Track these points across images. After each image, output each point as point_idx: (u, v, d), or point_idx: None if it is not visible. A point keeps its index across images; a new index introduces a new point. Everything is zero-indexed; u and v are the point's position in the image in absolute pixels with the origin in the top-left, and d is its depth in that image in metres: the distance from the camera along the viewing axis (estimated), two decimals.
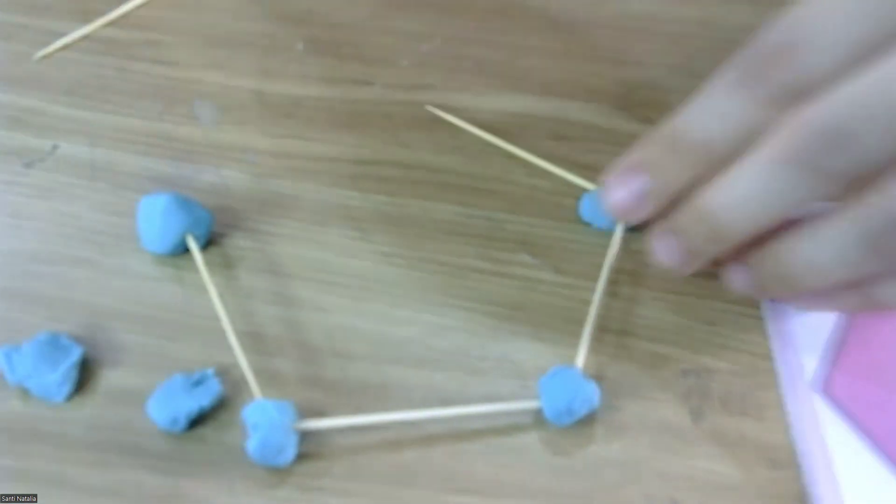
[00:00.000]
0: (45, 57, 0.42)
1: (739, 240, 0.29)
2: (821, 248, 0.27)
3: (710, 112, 0.28)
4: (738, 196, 0.28)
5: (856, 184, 0.26)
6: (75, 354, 0.31)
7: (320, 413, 0.30)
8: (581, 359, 0.32)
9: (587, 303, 0.33)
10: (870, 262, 0.27)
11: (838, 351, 0.32)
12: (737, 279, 0.31)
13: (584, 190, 0.37)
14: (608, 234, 0.35)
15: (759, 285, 0.30)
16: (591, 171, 0.37)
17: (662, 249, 0.31)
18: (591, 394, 0.30)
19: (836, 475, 0.29)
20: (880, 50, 0.25)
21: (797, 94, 0.26)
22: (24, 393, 0.31)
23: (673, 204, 0.30)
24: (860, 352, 0.32)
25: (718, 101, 0.28)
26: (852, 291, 0.29)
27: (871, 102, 0.25)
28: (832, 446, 0.30)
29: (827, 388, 0.32)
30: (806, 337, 0.33)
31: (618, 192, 0.30)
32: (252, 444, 0.29)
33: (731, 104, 0.28)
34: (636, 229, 0.35)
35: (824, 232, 0.27)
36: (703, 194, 0.28)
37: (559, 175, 0.37)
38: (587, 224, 0.36)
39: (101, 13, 0.43)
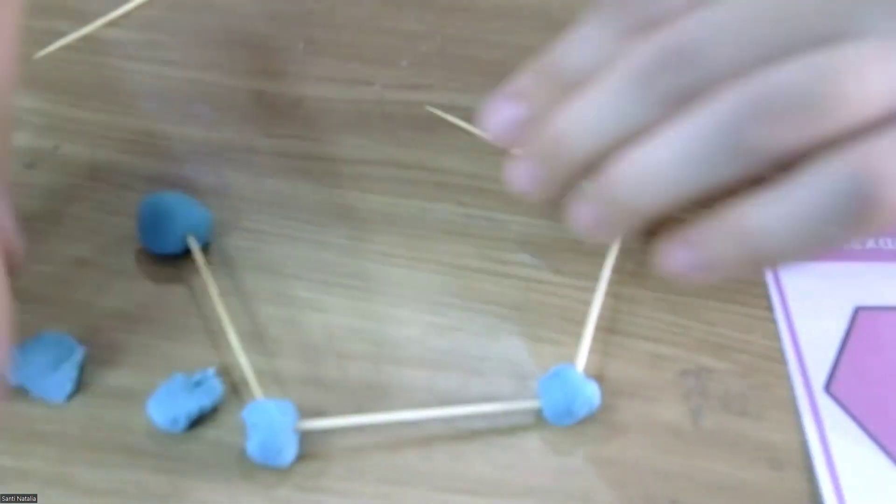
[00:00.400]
0: (44, 57, 0.42)
1: (583, 161, 0.29)
2: (670, 148, 0.28)
3: (579, 44, 0.30)
4: (583, 115, 0.29)
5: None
6: (77, 354, 0.31)
7: (320, 413, 0.30)
8: (581, 359, 0.32)
9: (587, 303, 0.33)
10: (723, 162, 0.27)
11: (842, 349, 0.32)
12: (580, 213, 0.30)
13: None
14: None
15: (604, 200, 0.30)
16: None
17: (519, 174, 0.31)
18: (592, 394, 0.30)
19: (838, 474, 0.29)
20: None
21: (649, 23, 0.28)
22: (24, 393, 0.31)
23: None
24: (864, 351, 0.32)
25: (587, 34, 0.30)
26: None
27: (717, 22, 0.27)
28: (835, 446, 0.30)
29: (831, 388, 0.32)
30: (811, 336, 0.33)
31: (495, 119, 0.31)
32: (252, 444, 0.29)
33: (598, 37, 0.30)
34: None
35: (674, 130, 0.28)
36: (554, 116, 0.29)
37: None
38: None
39: (102, 13, 0.43)
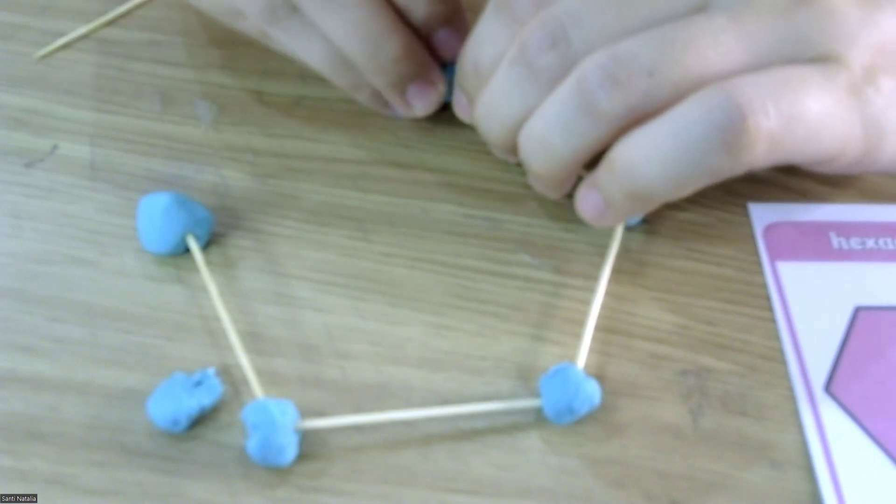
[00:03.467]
0: (44, 56, 0.42)
1: (503, 141, 0.34)
2: (545, 115, 0.32)
3: (479, 38, 0.34)
4: (488, 102, 0.34)
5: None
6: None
7: (320, 413, 0.30)
8: (582, 358, 0.32)
9: (587, 303, 0.33)
10: (586, 124, 0.31)
11: (842, 349, 0.32)
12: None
13: None
14: (609, 233, 0.35)
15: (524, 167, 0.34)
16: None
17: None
18: (593, 392, 0.30)
19: (838, 474, 0.29)
20: None
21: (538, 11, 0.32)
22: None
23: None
24: (864, 351, 0.32)
25: (484, 27, 0.34)
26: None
27: (578, 9, 0.31)
28: (835, 446, 0.30)
29: (831, 388, 0.32)
30: (811, 336, 0.33)
31: (455, 105, 0.37)
32: (252, 444, 0.29)
33: (493, 29, 0.33)
34: (646, 222, 0.35)
35: (549, 100, 0.32)
36: (475, 106, 0.35)
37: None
38: (589, 223, 0.36)
39: (102, 13, 0.43)
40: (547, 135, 0.32)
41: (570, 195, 0.35)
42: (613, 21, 0.31)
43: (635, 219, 0.36)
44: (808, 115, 0.30)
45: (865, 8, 0.31)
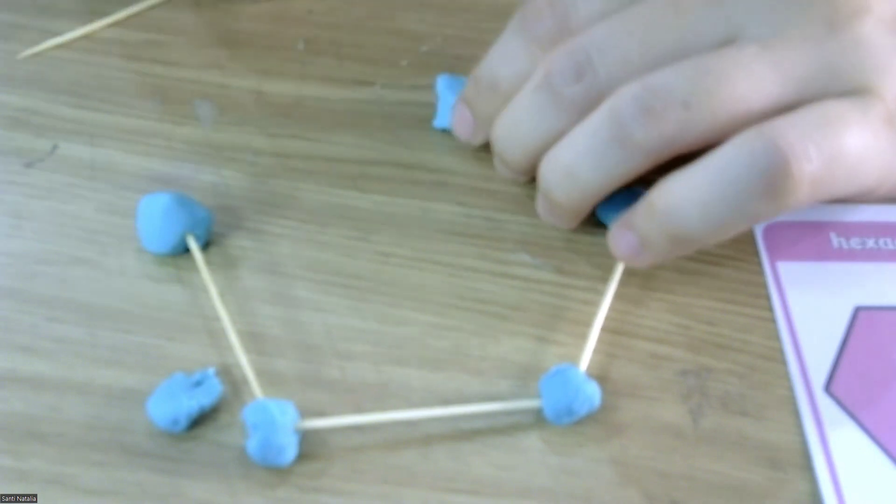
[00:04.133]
0: (44, 56, 0.42)
1: (521, 164, 0.35)
2: (575, 145, 0.32)
3: (499, 56, 0.34)
4: (510, 124, 0.34)
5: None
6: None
7: (320, 413, 0.30)
8: (585, 359, 0.32)
9: (587, 303, 0.33)
10: (618, 156, 0.31)
11: (842, 349, 0.32)
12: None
13: None
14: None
15: (543, 196, 0.34)
16: None
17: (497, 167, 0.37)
18: (593, 394, 0.30)
19: (838, 474, 0.29)
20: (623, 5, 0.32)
21: (561, 36, 0.32)
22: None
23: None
24: (864, 351, 0.32)
25: (505, 46, 0.34)
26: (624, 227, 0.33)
27: (611, 32, 0.31)
28: (835, 446, 0.30)
29: (831, 388, 0.32)
30: (811, 336, 0.33)
31: (456, 121, 0.37)
32: (252, 444, 0.29)
33: (513, 49, 0.34)
34: None
35: (579, 129, 0.32)
36: (495, 125, 0.35)
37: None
38: (599, 224, 0.36)
39: (102, 13, 0.43)
40: (575, 165, 0.32)
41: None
42: (639, 51, 0.31)
43: None
44: (848, 154, 0.30)
45: (895, 35, 0.31)
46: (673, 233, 0.31)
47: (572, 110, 0.32)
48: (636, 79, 0.31)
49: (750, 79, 0.30)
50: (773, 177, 0.29)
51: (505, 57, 0.34)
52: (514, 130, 0.34)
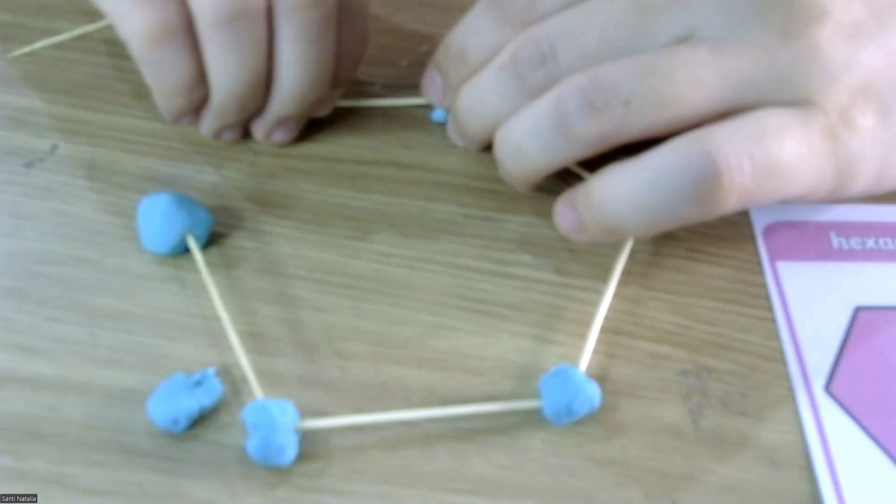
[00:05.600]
0: (44, 56, 0.41)
1: (479, 136, 0.36)
2: (522, 124, 0.33)
3: (470, 29, 0.35)
4: (474, 98, 0.35)
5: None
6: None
7: (320, 413, 0.30)
8: (585, 359, 0.32)
9: (587, 303, 0.33)
10: (559, 142, 0.32)
11: (842, 349, 0.32)
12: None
13: None
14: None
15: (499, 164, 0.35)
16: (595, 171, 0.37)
17: (450, 131, 0.38)
18: (593, 394, 0.30)
19: (838, 474, 0.29)
20: None
21: (529, 18, 0.33)
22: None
23: None
24: (864, 351, 0.32)
25: (476, 20, 0.35)
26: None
27: (572, 23, 0.32)
28: (835, 446, 0.30)
29: (831, 388, 0.32)
30: (811, 336, 0.33)
31: (426, 84, 0.38)
32: (252, 444, 0.29)
33: (483, 23, 0.35)
34: None
35: (528, 108, 0.33)
36: (460, 94, 0.36)
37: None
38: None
39: (102, 13, 0.43)
40: (522, 143, 0.33)
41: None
42: (598, 45, 0.32)
43: None
44: (781, 167, 0.30)
45: (851, 43, 0.31)
46: (606, 224, 0.32)
47: (531, 94, 0.33)
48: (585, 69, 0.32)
49: (694, 81, 0.31)
50: (704, 186, 0.30)
51: (476, 30, 0.35)
52: (476, 105, 0.35)
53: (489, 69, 0.34)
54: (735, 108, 0.31)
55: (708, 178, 0.30)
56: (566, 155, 0.33)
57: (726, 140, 0.30)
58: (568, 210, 0.33)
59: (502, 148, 0.34)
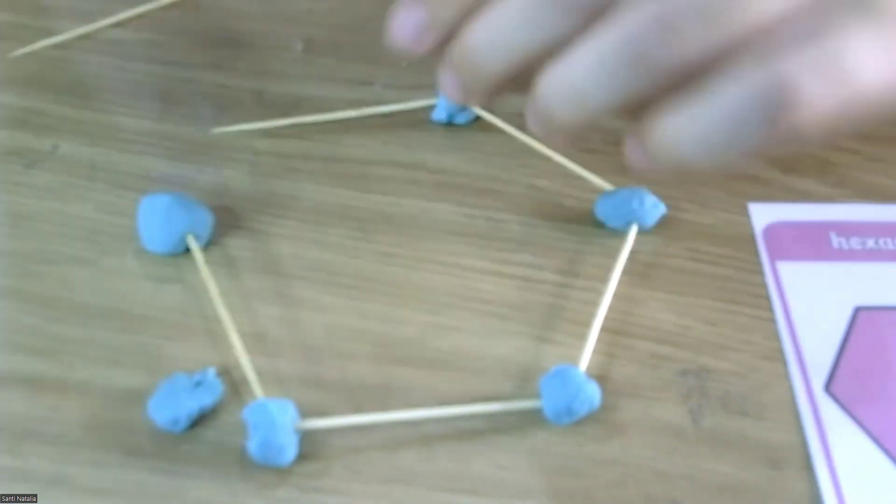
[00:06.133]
0: (44, 57, 0.42)
1: (498, 75, 0.29)
2: (582, 63, 0.28)
3: (509, 19, 0.28)
4: (493, 29, 0.28)
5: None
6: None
7: (320, 413, 0.30)
8: (585, 359, 0.32)
9: (587, 303, 0.33)
10: (632, 76, 0.27)
11: (842, 349, 0.32)
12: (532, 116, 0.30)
13: (595, 190, 0.37)
14: (612, 233, 0.36)
15: (539, 114, 0.29)
16: (597, 171, 0.37)
17: (447, 85, 0.31)
18: (592, 394, 0.30)
19: (838, 474, 0.29)
20: None
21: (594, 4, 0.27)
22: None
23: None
24: (864, 351, 0.32)
25: (518, 8, 0.28)
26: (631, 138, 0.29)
27: None
28: (835, 446, 0.30)
29: (831, 388, 0.32)
30: (811, 336, 0.33)
31: (400, 26, 0.31)
32: (253, 444, 0.29)
33: (532, 11, 0.28)
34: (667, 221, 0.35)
35: (585, 45, 0.27)
36: (466, 29, 0.29)
37: (575, 174, 0.37)
38: (599, 224, 0.36)
39: (102, 13, 0.43)
40: (584, 85, 0.28)
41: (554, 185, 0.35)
42: None
43: (651, 220, 0.35)
44: (865, 81, 0.27)
45: None
46: (679, 164, 0.28)
47: (579, 14, 0.28)
48: None
49: None
50: (780, 119, 0.26)
51: (524, 21, 0.29)
52: (501, 36, 0.29)
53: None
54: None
55: (783, 110, 0.26)
56: (639, 88, 0.28)
57: (799, 61, 0.27)
58: (638, 146, 0.29)
59: (552, 95, 0.29)
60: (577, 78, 0.28)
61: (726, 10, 0.27)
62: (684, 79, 0.28)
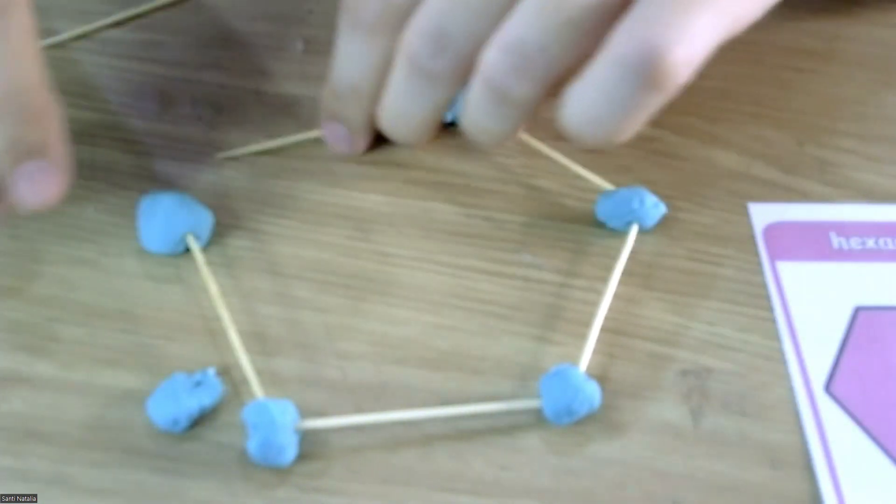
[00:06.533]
0: (44, 57, 0.41)
1: (422, 137, 0.34)
2: (466, 114, 0.32)
3: (346, 61, 0.34)
4: (395, 115, 0.33)
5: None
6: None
7: (320, 413, 0.30)
8: (585, 359, 0.32)
9: (587, 303, 0.33)
10: (505, 108, 0.31)
11: (842, 349, 0.32)
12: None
13: (595, 190, 0.37)
14: (612, 233, 0.36)
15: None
16: (597, 171, 0.37)
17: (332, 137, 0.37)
18: (592, 394, 0.30)
19: (838, 474, 0.29)
20: None
21: (391, 15, 0.32)
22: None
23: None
24: (864, 351, 0.32)
25: (347, 49, 0.34)
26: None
27: (444, 5, 0.31)
28: (835, 446, 0.30)
29: (831, 388, 0.32)
30: (811, 336, 0.33)
31: (330, 138, 0.37)
32: (252, 444, 0.29)
33: (356, 48, 0.34)
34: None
35: (465, 100, 0.32)
36: (379, 119, 0.34)
37: (575, 174, 0.37)
38: (599, 224, 0.36)
39: (101, 13, 0.43)
40: (476, 125, 0.32)
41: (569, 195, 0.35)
42: (480, 3, 0.31)
43: (651, 220, 0.36)
44: (708, 19, 0.29)
45: None
46: (587, 142, 0.31)
47: (450, 80, 0.32)
48: (490, 30, 0.30)
49: None
50: (652, 74, 0.28)
51: (352, 60, 0.34)
52: (402, 118, 0.34)
53: (393, 85, 0.33)
54: None
55: (653, 65, 0.29)
56: (519, 117, 0.32)
57: (652, 18, 0.29)
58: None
59: (468, 133, 0.33)
60: (473, 123, 0.32)
61: (556, 36, 0.30)
62: (568, 74, 0.30)
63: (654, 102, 0.30)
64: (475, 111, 0.32)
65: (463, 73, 0.32)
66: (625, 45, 0.29)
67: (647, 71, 0.29)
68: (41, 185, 0.30)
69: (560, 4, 0.30)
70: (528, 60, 0.30)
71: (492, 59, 0.31)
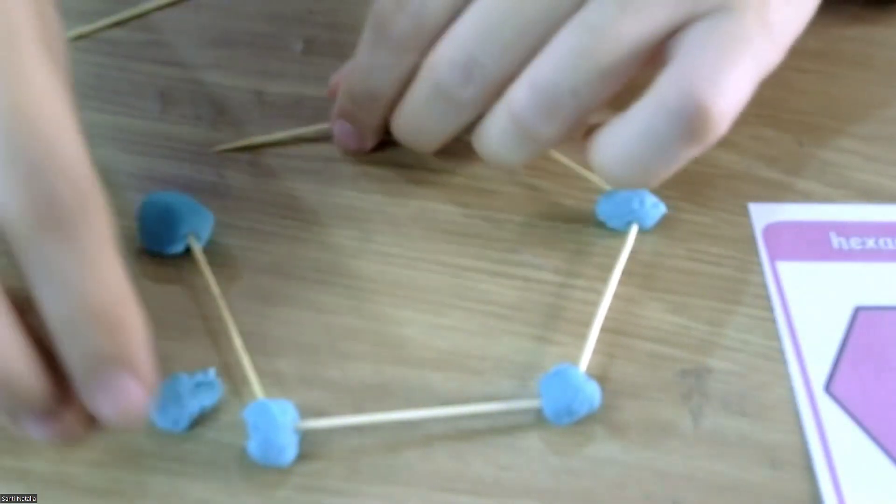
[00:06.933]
0: None
1: (436, 148, 0.36)
2: (488, 138, 0.33)
3: (368, 69, 0.35)
4: (414, 128, 0.35)
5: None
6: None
7: (320, 413, 0.30)
8: (585, 359, 0.32)
9: (587, 303, 0.33)
10: (532, 142, 0.32)
11: (842, 349, 0.32)
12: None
13: (595, 190, 0.37)
14: (612, 233, 0.36)
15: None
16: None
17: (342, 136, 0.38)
18: (592, 394, 0.30)
19: (838, 474, 0.30)
20: None
21: (422, 35, 0.33)
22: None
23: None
24: (864, 351, 0.32)
25: (371, 58, 0.35)
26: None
27: (477, 32, 0.31)
28: (835, 446, 0.30)
29: (831, 388, 0.32)
30: (811, 336, 0.33)
31: (339, 136, 0.38)
32: (253, 444, 0.29)
33: (381, 58, 0.34)
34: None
35: (487, 125, 0.33)
36: (394, 124, 0.36)
37: (576, 174, 0.37)
38: (599, 224, 0.36)
39: (102, 13, 0.43)
40: (496, 151, 0.33)
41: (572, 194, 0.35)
42: (515, 34, 0.31)
43: (651, 220, 0.36)
44: (749, 72, 0.30)
45: None
46: (616, 182, 0.32)
47: (475, 107, 0.33)
48: (521, 64, 0.31)
49: (619, 41, 0.30)
50: (693, 123, 0.29)
51: (375, 68, 0.35)
52: (420, 133, 0.35)
53: (415, 101, 0.34)
54: (668, 33, 0.30)
55: (696, 115, 0.29)
56: (541, 150, 0.33)
57: (697, 71, 0.29)
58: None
59: (480, 152, 0.34)
60: (490, 147, 0.33)
61: (589, 81, 0.30)
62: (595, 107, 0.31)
63: (690, 152, 0.30)
64: (496, 140, 0.33)
65: (488, 101, 0.33)
66: (670, 92, 0.30)
67: (690, 120, 0.29)
68: (121, 398, 0.26)
69: (595, 50, 0.30)
70: (558, 104, 0.31)
71: (522, 97, 0.31)
